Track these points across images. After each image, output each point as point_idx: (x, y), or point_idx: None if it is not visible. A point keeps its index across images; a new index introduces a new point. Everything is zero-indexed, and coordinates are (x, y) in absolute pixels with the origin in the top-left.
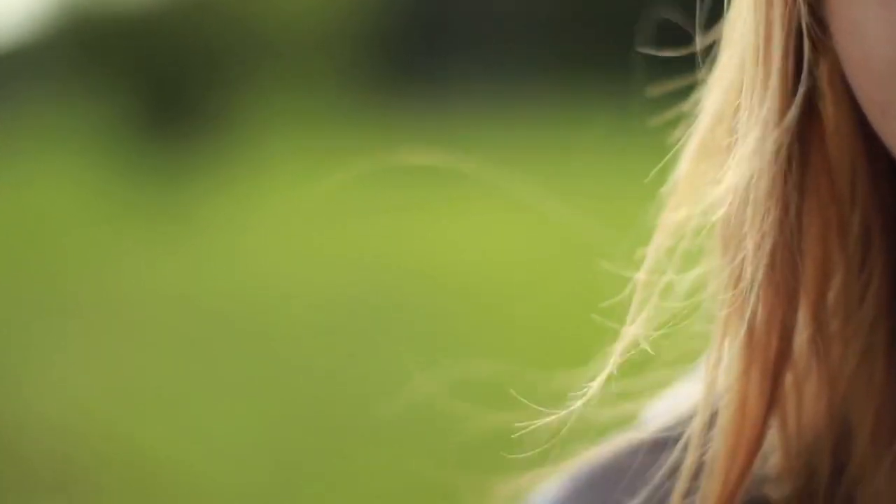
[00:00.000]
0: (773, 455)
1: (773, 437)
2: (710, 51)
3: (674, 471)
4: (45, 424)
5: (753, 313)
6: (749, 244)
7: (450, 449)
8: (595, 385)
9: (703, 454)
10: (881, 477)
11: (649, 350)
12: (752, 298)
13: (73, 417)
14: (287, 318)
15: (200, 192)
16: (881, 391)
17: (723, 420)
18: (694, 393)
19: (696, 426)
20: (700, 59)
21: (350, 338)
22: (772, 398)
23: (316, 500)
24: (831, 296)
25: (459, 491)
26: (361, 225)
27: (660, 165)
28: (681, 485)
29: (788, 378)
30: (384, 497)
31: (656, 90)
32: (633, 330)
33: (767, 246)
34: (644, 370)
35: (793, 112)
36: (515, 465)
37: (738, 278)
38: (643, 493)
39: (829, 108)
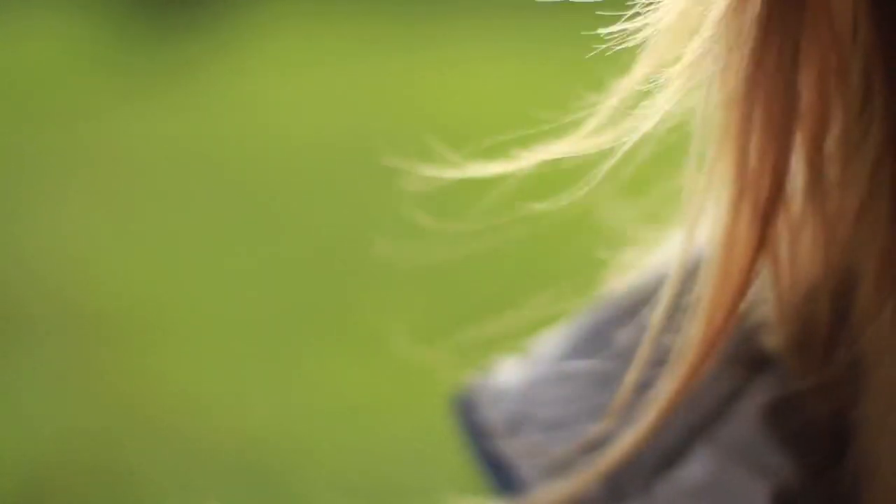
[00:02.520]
0: (765, 304)
1: (765, 285)
2: None
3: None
4: (43, 279)
5: (744, 151)
6: (738, 79)
7: (454, 297)
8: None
9: (683, 296)
10: (886, 322)
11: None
12: (744, 139)
13: (71, 270)
14: (287, 166)
15: (199, 46)
16: (886, 235)
17: (707, 258)
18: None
19: (674, 267)
20: None
21: (350, 184)
22: (762, 238)
23: (319, 345)
24: (829, 141)
25: (465, 337)
26: (360, 75)
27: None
28: (655, 322)
29: (782, 222)
30: (388, 342)
31: None
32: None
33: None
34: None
35: None
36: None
37: (729, 116)
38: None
39: None
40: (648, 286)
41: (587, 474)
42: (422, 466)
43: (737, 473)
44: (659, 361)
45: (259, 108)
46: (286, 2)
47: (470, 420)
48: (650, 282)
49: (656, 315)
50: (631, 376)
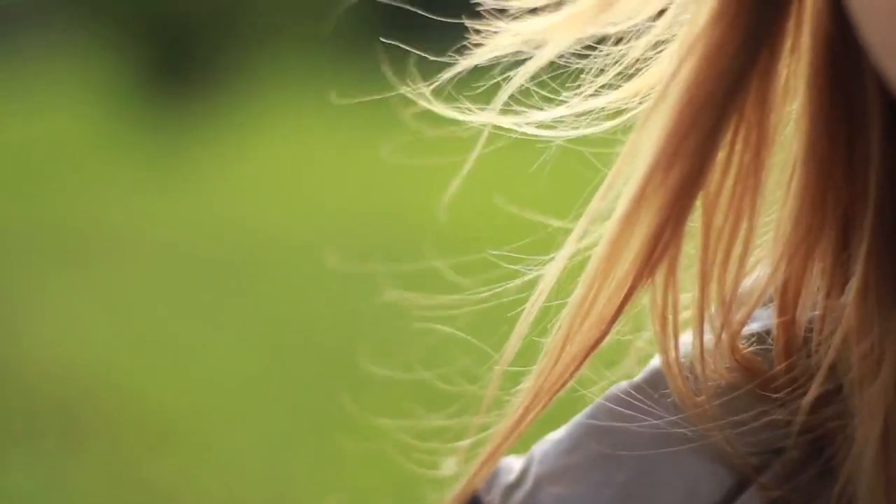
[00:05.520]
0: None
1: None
2: None
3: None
4: (46, 368)
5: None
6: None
7: (447, 393)
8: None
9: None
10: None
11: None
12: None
13: (74, 360)
14: (280, 260)
15: (201, 137)
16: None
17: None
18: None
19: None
20: None
21: (343, 280)
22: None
23: (316, 429)
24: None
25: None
26: (354, 174)
27: None
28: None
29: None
30: (385, 427)
31: None
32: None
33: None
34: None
35: None
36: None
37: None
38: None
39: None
40: (643, 384)
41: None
42: None
43: None
44: None
45: (260, 194)
46: (290, 92)
47: None
48: (645, 380)
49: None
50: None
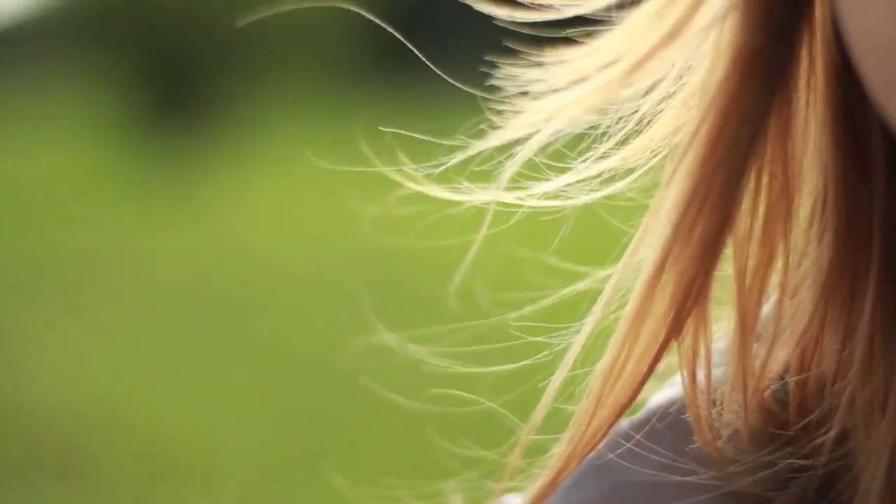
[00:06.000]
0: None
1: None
2: None
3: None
4: (46, 404)
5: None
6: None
7: (449, 422)
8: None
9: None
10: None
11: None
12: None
13: (74, 396)
14: (280, 293)
15: (202, 171)
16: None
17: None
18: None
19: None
20: None
21: (347, 316)
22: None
23: (316, 464)
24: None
25: (463, 461)
26: (356, 207)
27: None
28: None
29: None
30: (388, 461)
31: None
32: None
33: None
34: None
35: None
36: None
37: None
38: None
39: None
40: (641, 422)
41: None
42: None
43: None
44: None
45: (261, 227)
46: (291, 125)
47: None
48: (644, 418)
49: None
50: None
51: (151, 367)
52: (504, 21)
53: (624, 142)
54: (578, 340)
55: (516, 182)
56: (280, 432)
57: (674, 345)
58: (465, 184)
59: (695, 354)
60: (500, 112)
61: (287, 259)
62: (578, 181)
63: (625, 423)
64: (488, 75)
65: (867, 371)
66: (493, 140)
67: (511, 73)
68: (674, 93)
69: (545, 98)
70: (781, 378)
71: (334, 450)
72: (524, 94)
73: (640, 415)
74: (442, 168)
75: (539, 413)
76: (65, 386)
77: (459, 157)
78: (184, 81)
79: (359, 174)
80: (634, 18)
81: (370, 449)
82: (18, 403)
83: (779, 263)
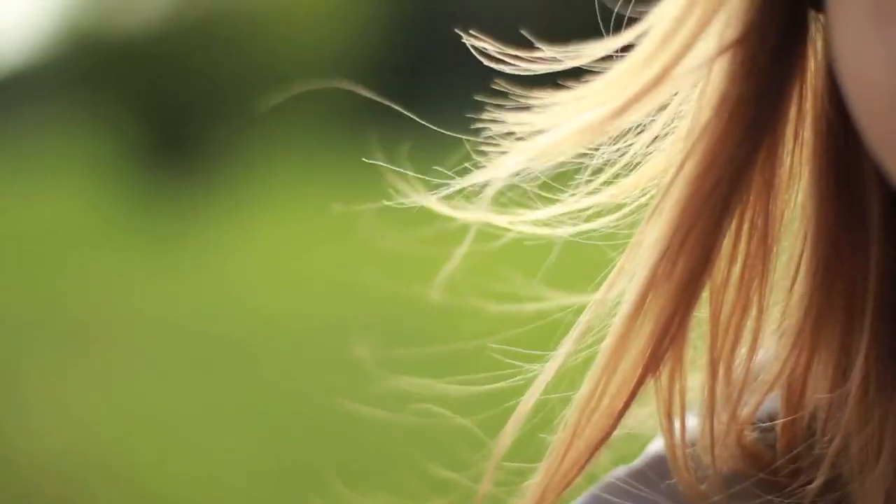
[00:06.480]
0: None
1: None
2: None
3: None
4: (47, 448)
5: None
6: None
7: (447, 460)
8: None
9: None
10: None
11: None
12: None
13: (73, 438)
14: (280, 339)
15: (200, 217)
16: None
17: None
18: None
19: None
20: None
21: (342, 360)
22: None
23: None
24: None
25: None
26: (353, 252)
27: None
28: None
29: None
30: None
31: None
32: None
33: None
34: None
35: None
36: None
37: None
38: None
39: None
40: (641, 468)
41: None
42: None
43: None
44: None
45: (259, 273)
46: (289, 170)
47: None
48: (643, 465)
49: None
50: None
51: (151, 412)
52: (496, 65)
53: (615, 179)
54: (550, 368)
55: (507, 207)
56: (280, 483)
57: (650, 382)
58: (460, 202)
59: (671, 394)
60: (485, 153)
61: (286, 303)
62: (567, 213)
63: (622, 470)
64: (477, 117)
65: (862, 416)
66: (478, 177)
67: (497, 116)
68: (665, 134)
69: (530, 139)
70: (770, 420)
71: (331, 499)
72: (510, 134)
73: (639, 461)
74: (439, 196)
75: (505, 438)
76: (63, 436)
77: (448, 190)
78: (183, 129)
79: (357, 216)
80: (621, 67)
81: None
82: (19, 448)
83: (754, 310)
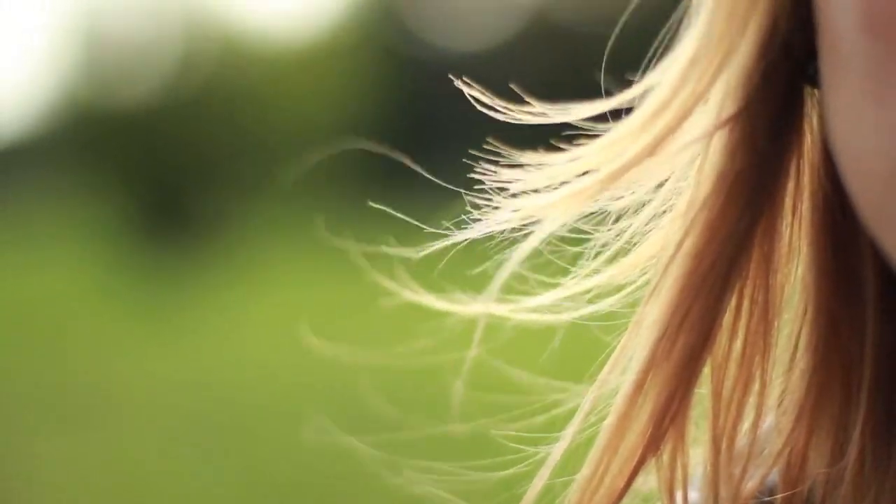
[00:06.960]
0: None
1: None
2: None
3: None
4: None
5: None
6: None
7: None
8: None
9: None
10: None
11: None
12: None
13: None
14: (282, 408)
15: (198, 287)
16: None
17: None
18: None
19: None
20: None
21: (342, 426)
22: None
23: None
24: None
25: None
26: (352, 322)
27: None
28: None
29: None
30: None
31: None
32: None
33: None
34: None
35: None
36: None
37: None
38: None
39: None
40: None
41: None
42: None
43: None
44: None
45: (260, 346)
46: (288, 240)
47: None
48: None
49: None
50: None
51: (151, 487)
52: (493, 120)
53: (613, 259)
54: (557, 451)
55: (506, 294)
56: None
57: (652, 461)
58: (459, 294)
59: (672, 472)
60: (479, 207)
61: (284, 373)
62: (567, 297)
63: None
64: (473, 174)
65: (858, 492)
66: (472, 233)
67: (491, 171)
68: (663, 212)
69: (522, 198)
70: (771, 494)
71: None
72: (503, 190)
73: None
74: (428, 251)
75: None
76: (62, 499)
77: (439, 246)
78: (180, 200)
79: (354, 288)
80: (617, 130)
81: None
82: None
83: (756, 385)
